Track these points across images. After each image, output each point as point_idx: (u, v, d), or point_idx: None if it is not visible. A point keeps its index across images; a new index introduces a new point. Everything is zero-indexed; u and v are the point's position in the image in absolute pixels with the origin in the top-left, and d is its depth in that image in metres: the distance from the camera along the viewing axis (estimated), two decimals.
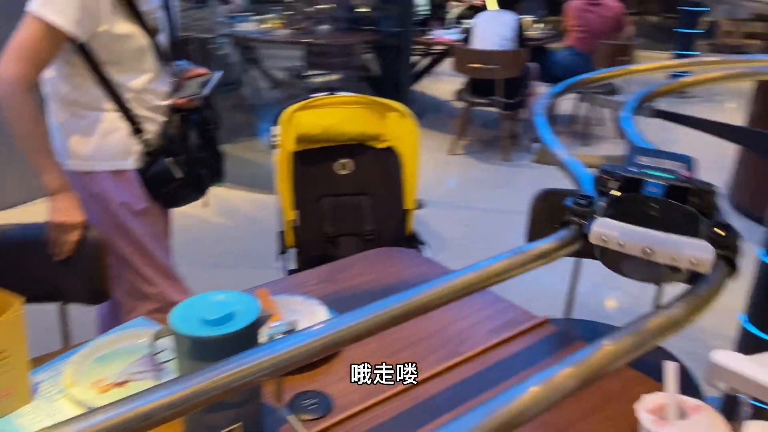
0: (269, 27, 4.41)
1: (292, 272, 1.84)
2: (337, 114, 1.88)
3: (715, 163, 4.30)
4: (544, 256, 1.08)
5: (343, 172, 1.95)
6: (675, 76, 4.35)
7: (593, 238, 0.90)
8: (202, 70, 1.68)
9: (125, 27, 1.44)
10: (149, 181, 1.56)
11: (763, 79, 2.21)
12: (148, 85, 1.53)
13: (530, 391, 0.71)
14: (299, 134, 1.84)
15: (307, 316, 1.10)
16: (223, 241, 3.24)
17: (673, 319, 0.94)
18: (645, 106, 1.95)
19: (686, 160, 1.00)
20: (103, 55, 1.44)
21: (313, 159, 1.92)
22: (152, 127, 1.56)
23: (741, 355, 0.66)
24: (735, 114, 5.43)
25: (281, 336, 0.80)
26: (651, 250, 0.84)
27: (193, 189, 1.64)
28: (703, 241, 0.84)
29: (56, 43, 1.37)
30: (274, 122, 1.87)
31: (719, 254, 0.87)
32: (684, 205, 0.90)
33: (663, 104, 2.23)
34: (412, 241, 1.95)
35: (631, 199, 0.93)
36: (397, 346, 1.11)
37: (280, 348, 0.74)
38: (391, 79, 4.81)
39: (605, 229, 0.87)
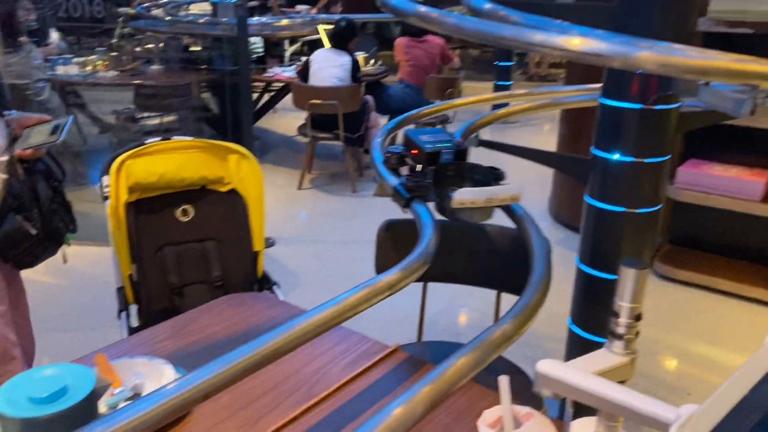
0: (93, 69, 4.16)
1: (135, 330, 1.73)
2: (173, 160, 1.82)
3: (538, 179, 4.76)
4: (392, 287, 1.13)
5: (185, 219, 1.88)
6: (495, 106, 4.76)
7: (456, 203, 1.28)
8: (38, 117, 1.58)
9: None
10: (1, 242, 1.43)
11: (565, 108, 2.51)
12: None
13: (393, 414, 0.75)
14: (133, 183, 1.75)
15: (154, 378, 1.04)
16: (55, 301, 2.96)
17: (506, 333, 1.03)
18: (471, 137, 2.12)
19: (446, 134, 1.43)
20: None
21: (151, 207, 1.83)
22: None
23: (561, 363, 0.74)
24: (550, 135, 6.05)
25: (125, 404, 0.75)
26: (491, 198, 1.31)
27: (50, 244, 1.53)
28: (509, 185, 1.35)
29: None
30: (105, 171, 1.76)
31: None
32: (478, 164, 1.36)
33: (490, 131, 2.45)
34: (264, 283, 1.93)
35: (449, 168, 1.33)
36: (251, 396, 1.09)
37: (124, 417, 0.70)
38: (231, 117, 4.74)
39: (463, 196, 1.27)
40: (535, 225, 1.43)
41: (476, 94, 7.98)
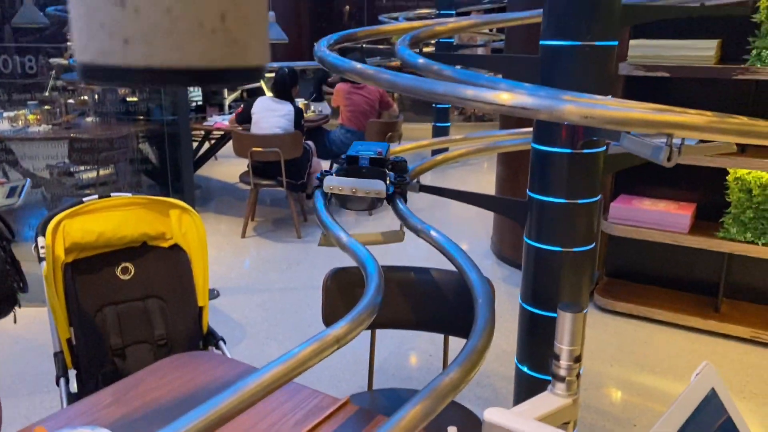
0: (25, 123, 4.04)
1: (75, 397, 1.66)
2: (112, 218, 1.79)
3: (480, 217, 4.87)
4: (340, 340, 1.14)
5: (126, 277, 1.84)
6: (435, 151, 4.89)
7: (326, 189, 1.67)
8: None
9: None
10: None
11: (500, 151, 2.61)
12: None
13: None
14: (70, 244, 1.71)
15: None
16: None
17: (454, 381, 1.05)
18: (413, 182, 2.17)
19: (385, 147, 1.80)
20: None
21: (90, 267, 1.78)
22: None
23: (507, 411, 0.76)
24: (490, 173, 6.23)
25: None
26: (355, 189, 1.67)
27: (4, 306, 1.48)
28: (379, 180, 1.68)
29: None
30: (41, 232, 1.71)
31: (396, 191, 1.75)
32: (374, 167, 1.71)
33: (432, 172, 2.50)
34: (209, 339, 1.89)
35: (349, 168, 1.71)
36: None
37: None
38: (171, 167, 4.67)
39: (330, 183, 1.68)
40: (476, 268, 1.47)
41: (416, 135, 8.17)
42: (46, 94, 4.39)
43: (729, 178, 2.99)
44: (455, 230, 4.75)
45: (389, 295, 1.86)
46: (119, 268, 1.83)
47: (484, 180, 6.18)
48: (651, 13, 1.91)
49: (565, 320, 1.04)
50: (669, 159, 1.16)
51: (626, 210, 3.20)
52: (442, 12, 6.79)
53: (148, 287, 1.86)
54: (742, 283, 3.20)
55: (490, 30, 8.57)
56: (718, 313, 3.10)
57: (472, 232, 4.65)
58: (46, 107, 4.19)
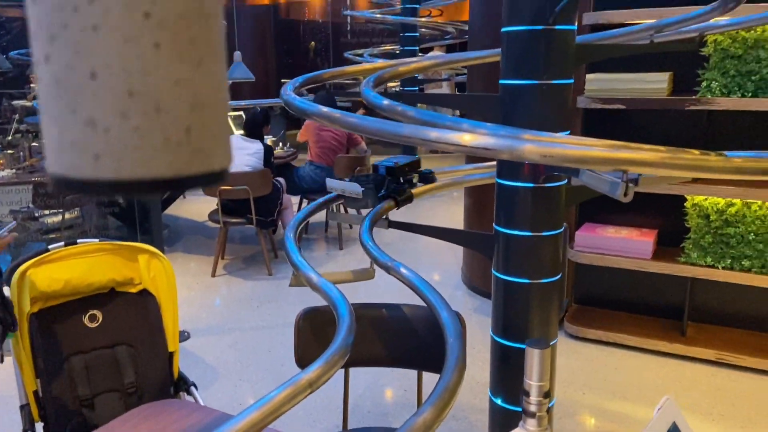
0: None
1: None
2: (79, 265, 1.77)
3: (451, 248, 4.92)
4: (313, 384, 1.14)
5: (94, 325, 1.81)
6: None
7: (328, 188, 1.91)
8: None
9: None
10: None
11: (467, 185, 2.66)
12: None
13: None
14: (36, 293, 1.68)
15: None
16: None
17: (428, 422, 1.06)
18: (382, 219, 2.20)
19: (406, 159, 2.01)
20: None
21: (56, 316, 1.75)
22: None
23: None
24: (459, 203, 6.30)
25: None
26: (342, 190, 1.90)
27: None
28: (355, 184, 1.90)
29: None
30: (6, 282, 1.68)
31: (392, 195, 1.93)
32: (371, 173, 1.93)
33: (402, 216, 2.54)
34: (180, 385, 1.86)
35: (371, 175, 1.92)
36: None
37: None
38: (138, 208, 4.63)
39: (329, 183, 1.90)
40: (446, 304, 1.49)
41: None
42: (9, 138, 4.34)
43: (687, 204, 3.09)
44: (426, 261, 4.79)
45: (362, 333, 1.87)
46: (87, 315, 1.81)
47: (454, 210, 6.25)
48: (603, 51, 2.00)
49: (533, 356, 1.06)
50: (625, 194, 1.21)
51: (591, 238, 3.28)
52: (405, 48, 6.94)
53: (116, 334, 1.83)
54: (706, 306, 3.29)
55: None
56: (685, 337, 3.17)
57: (443, 263, 4.69)
58: (9, 152, 4.13)
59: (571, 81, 1.80)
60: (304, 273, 1.62)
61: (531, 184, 1.84)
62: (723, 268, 2.98)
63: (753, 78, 2.82)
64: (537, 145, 1.24)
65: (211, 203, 4.60)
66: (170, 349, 1.87)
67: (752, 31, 2.80)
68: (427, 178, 2.06)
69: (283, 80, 11.34)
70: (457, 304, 3.92)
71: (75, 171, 0.29)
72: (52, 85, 0.30)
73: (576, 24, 1.76)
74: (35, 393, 1.66)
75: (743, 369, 2.98)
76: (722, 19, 2.04)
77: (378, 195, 1.92)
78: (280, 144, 5.71)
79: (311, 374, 1.12)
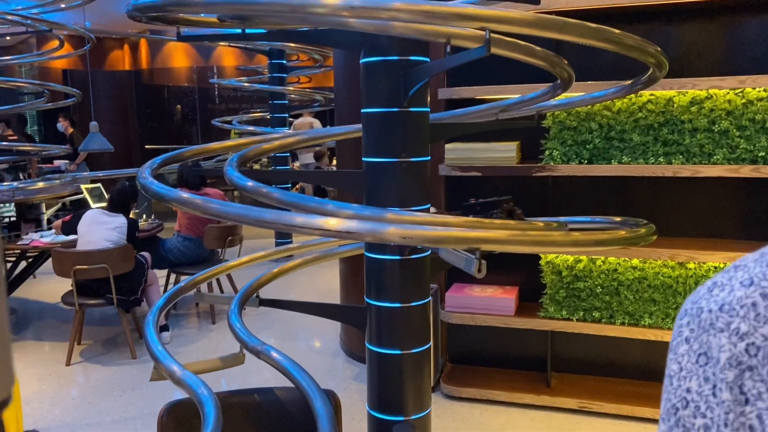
0: None
1: None
2: None
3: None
4: None
5: None
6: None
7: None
8: None
9: None
10: None
11: (339, 257, 2.69)
12: None
13: None
14: None
15: None
16: None
17: None
18: (254, 297, 2.15)
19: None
20: None
21: None
22: None
23: None
24: (336, 267, 6.30)
25: None
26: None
27: None
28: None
29: None
30: None
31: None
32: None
33: (278, 282, 2.49)
34: None
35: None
36: None
37: None
38: None
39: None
40: (317, 388, 1.48)
41: (259, 233, 7.94)
42: None
43: (542, 262, 3.33)
44: (305, 327, 4.70)
45: (233, 423, 1.78)
46: None
47: (331, 274, 6.24)
48: (455, 129, 2.15)
49: None
50: (479, 271, 1.29)
51: (459, 298, 3.41)
52: (274, 115, 7.00)
53: None
54: (567, 356, 3.52)
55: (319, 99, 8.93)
56: (549, 388, 3.35)
57: (322, 329, 4.64)
58: None
59: (428, 158, 1.91)
60: (166, 366, 1.53)
61: (397, 257, 1.90)
62: (577, 320, 3.22)
63: (588, 147, 3.15)
64: (398, 227, 1.30)
65: (65, 283, 4.25)
66: None
67: (584, 106, 3.15)
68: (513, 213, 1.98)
69: (147, 146, 10.93)
70: (336, 373, 3.88)
71: None
72: None
73: (428, 107, 1.88)
74: None
75: (604, 415, 3.19)
76: (553, 101, 2.28)
77: None
78: (144, 216, 5.44)
79: None
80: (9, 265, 4.99)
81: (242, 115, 9.10)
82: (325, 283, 5.87)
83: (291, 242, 6.55)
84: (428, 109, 1.89)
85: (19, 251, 4.75)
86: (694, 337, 0.54)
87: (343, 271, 4.32)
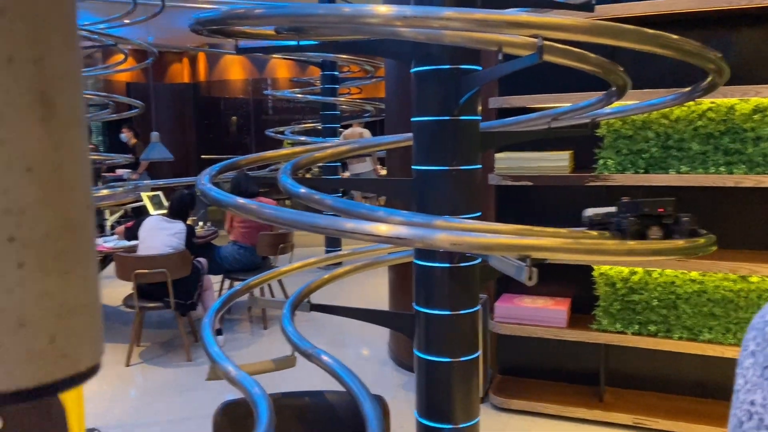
0: None
1: None
2: None
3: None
4: None
5: None
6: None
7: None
8: None
9: None
10: None
11: (388, 264, 2.72)
12: None
13: None
14: None
15: None
16: None
17: None
18: (305, 302, 2.19)
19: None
20: None
21: None
22: None
23: None
24: (384, 276, 6.33)
25: None
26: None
27: None
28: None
29: None
30: None
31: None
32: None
33: (327, 289, 2.53)
34: None
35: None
36: None
37: None
38: None
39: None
40: (367, 392, 1.49)
41: (309, 242, 8.05)
42: None
43: (595, 273, 3.27)
44: (353, 336, 4.74)
45: (284, 423, 1.82)
46: None
47: (378, 283, 6.27)
48: (506, 138, 2.15)
49: None
50: (530, 278, 1.28)
51: (509, 309, 3.38)
52: (326, 125, 7.12)
53: None
54: (621, 371, 3.42)
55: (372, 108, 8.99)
56: (602, 403, 3.27)
57: (371, 338, 4.66)
58: None
59: (479, 166, 1.91)
60: (222, 366, 1.58)
61: (447, 264, 1.90)
62: (632, 333, 3.13)
63: (644, 156, 3.08)
64: (448, 234, 1.31)
65: (124, 286, 4.42)
66: None
67: (640, 114, 3.08)
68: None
69: (203, 156, 11.27)
70: (385, 381, 3.89)
71: None
72: None
73: (479, 114, 1.89)
74: None
75: None
76: (607, 109, 2.25)
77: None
78: (201, 223, 5.61)
79: None
80: None
81: (294, 125, 9.28)
82: (372, 293, 5.90)
83: (341, 250, 6.63)
84: (479, 118, 1.90)
85: None
86: (759, 351, 0.54)
87: (392, 279, 4.34)
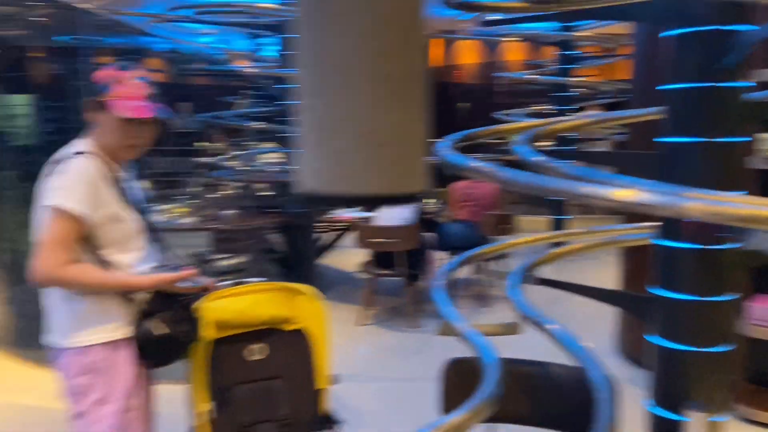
0: (175, 215, 4.53)
1: None
2: (248, 299, 1.96)
3: (600, 315, 4.65)
4: (457, 429, 1.16)
5: (256, 358, 1.97)
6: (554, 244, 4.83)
7: None
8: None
9: (121, 213, 1.71)
10: (139, 342, 1.71)
11: (622, 246, 2.56)
12: (138, 262, 1.77)
13: None
14: (216, 320, 1.88)
15: None
16: None
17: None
18: (529, 275, 2.18)
19: None
20: (102, 238, 1.67)
21: (227, 346, 1.94)
22: (141, 296, 1.75)
23: None
24: (613, 267, 5.98)
25: None
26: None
27: (178, 346, 1.76)
28: None
29: (79, 228, 1.62)
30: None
31: None
32: None
33: (550, 266, 2.49)
34: (327, 422, 1.96)
35: None
36: None
37: None
38: (296, 256, 4.98)
39: None
40: (598, 364, 1.45)
41: (531, 227, 7.95)
42: (198, 189, 4.92)
43: None
44: (575, 324, 4.55)
45: (507, 388, 1.84)
46: (251, 348, 1.98)
47: (605, 274, 5.93)
48: None
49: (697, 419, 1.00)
50: None
51: (766, 310, 2.96)
52: (558, 109, 6.88)
53: (275, 369, 1.98)
54: None
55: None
56: None
57: (592, 330, 4.44)
58: (195, 201, 4.68)
59: (739, 139, 1.70)
60: (453, 323, 1.66)
61: (696, 245, 1.74)
62: None
63: None
64: (700, 202, 1.19)
65: (356, 254, 4.81)
66: (320, 387, 1.98)
67: None
68: None
69: (432, 140, 11.67)
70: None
71: (320, 188, 0.37)
72: (311, 127, 0.39)
73: (745, 81, 1.68)
74: (205, 415, 1.84)
75: None
76: None
77: None
78: (433, 200, 5.85)
79: (457, 419, 1.14)
80: (321, 234, 5.84)
81: (525, 108, 9.12)
82: (597, 281, 5.59)
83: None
84: (745, 84, 1.69)
85: (329, 222, 5.55)
86: None
87: (625, 267, 4.07)
